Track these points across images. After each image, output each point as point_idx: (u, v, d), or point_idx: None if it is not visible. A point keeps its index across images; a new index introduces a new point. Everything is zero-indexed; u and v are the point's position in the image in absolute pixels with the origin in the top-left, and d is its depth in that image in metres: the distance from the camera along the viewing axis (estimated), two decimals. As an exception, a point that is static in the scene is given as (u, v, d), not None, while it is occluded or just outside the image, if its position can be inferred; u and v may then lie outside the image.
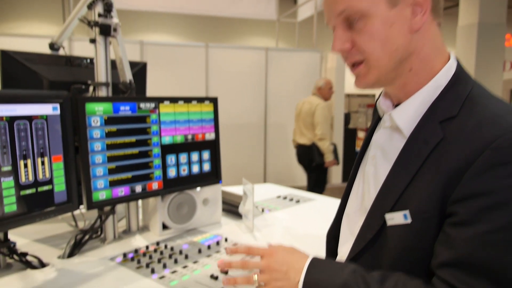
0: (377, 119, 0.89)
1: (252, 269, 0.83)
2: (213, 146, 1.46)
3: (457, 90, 0.71)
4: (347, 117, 6.51)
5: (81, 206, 1.20)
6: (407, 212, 0.69)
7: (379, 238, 0.73)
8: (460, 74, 0.73)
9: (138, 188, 1.26)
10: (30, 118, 0.99)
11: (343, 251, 0.86)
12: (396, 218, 0.70)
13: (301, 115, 4.09)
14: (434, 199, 0.65)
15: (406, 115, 0.75)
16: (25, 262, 1.12)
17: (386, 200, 0.73)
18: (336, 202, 1.91)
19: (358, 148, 8.34)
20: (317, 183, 4.14)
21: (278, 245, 0.84)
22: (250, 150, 5.48)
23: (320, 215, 1.71)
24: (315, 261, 0.76)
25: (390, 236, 0.71)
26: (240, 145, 5.35)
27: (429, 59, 0.73)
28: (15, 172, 0.96)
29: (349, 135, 6.47)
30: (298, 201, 1.87)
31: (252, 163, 5.51)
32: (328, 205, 1.87)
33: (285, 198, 1.94)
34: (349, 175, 0.93)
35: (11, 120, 0.95)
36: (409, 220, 0.68)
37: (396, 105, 0.80)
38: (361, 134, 9.42)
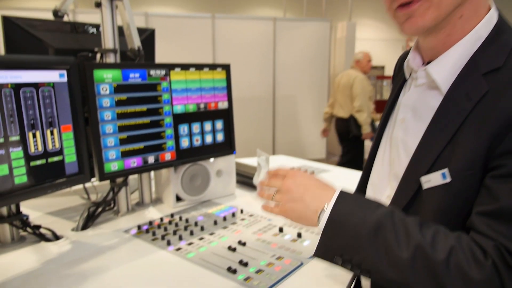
0: (403, 80, 0.83)
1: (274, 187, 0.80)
2: (226, 116, 1.40)
3: (501, 41, 0.65)
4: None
5: (93, 179, 1.16)
6: (445, 170, 0.64)
7: (414, 203, 0.69)
8: (502, 24, 0.67)
9: (151, 159, 1.22)
10: (36, 86, 0.94)
11: None
12: (434, 179, 0.65)
13: (340, 88, 4.08)
14: (478, 155, 0.61)
15: (444, 70, 0.69)
16: (39, 235, 1.10)
17: (421, 162, 0.68)
18: (351, 173, 1.88)
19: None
20: (354, 157, 4.16)
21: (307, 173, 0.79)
22: (258, 123, 5.41)
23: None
24: (344, 195, 0.69)
25: (426, 200, 0.66)
26: (248, 118, 5.28)
27: (478, 7, 0.67)
28: (23, 142, 0.92)
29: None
30: (312, 173, 1.83)
31: (261, 137, 5.45)
32: (344, 176, 1.83)
33: (299, 169, 1.90)
34: (372, 144, 0.88)
35: (17, 87, 0.90)
36: (448, 179, 0.64)
37: (427, 63, 0.74)
38: (370, 106, 9.30)
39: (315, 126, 5.69)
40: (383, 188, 0.80)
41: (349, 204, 0.66)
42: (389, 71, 13.15)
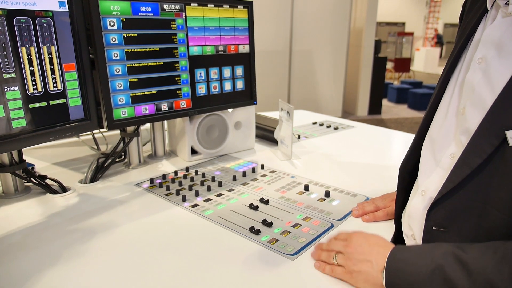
0: (481, 12, 0.67)
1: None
2: (248, 61, 1.26)
3: None
4: (378, 45, 6.06)
5: (103, 130, 1.06)
6: None
7: (490, 163, 0.56)
8: None
9: (164, 106, 1.10)
10: (32, 15, 0.81)
11: (428, 186, 0.68)
12: None
13: None
14: None
15: None
16: (44, 186, 1.01)
17: (507, 111, 0.54)
18: (375, 129, 1.74)
19: (386, 80, 7.93)
20: None
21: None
22: (273, 79, 5.21)
23: (363, 142, 1.54)
24: (396, 249, 0.64)
25: (511, 161, 0.54)
26: (262, 73, 5.07)
27: None
28: (21, 81, 0.81)
29: (378, 63, 6.07)
30: (336, 128, 1.70)
31: (275, 93, 5.26)
32: (370, 132, 1.69)
33: (321, 124, 1.77)
34: (434, 92, 0.73)
35: (10, 15, 0.77)
36: None
37: None
38: (389, 65, 8.93)
39: (332, 84, 5.48)
40: (445, 144, 0.66)
41: (403, 254, 0.62)
42: (410, 27, 12.56)
